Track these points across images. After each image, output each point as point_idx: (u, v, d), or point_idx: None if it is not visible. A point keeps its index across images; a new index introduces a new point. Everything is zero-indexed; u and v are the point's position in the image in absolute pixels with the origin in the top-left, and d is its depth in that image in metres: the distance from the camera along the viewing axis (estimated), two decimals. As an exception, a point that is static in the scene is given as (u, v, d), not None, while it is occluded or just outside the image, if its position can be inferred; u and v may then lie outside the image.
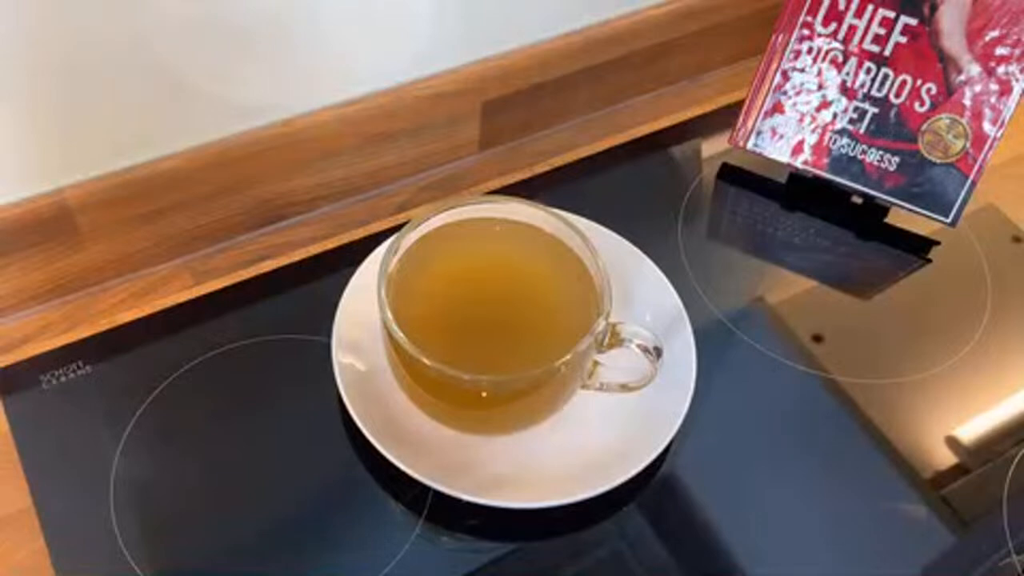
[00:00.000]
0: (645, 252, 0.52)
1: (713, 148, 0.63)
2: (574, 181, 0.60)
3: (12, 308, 0.51)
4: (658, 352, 0.44)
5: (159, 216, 0.52)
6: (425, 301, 0.45)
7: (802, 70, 0.57)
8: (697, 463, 0.48)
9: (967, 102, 0.54)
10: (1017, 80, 0.53)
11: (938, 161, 0.55)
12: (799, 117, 0.58)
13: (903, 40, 0.54)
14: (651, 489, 0.46)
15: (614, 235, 0.52)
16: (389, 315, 0.42)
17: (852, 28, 0.55)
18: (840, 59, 0.56)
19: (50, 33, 0.43)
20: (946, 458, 0.49)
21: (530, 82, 0.59)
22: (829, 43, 0.56)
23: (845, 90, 0.56)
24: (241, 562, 0.44)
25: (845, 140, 0.57)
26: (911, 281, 0.57)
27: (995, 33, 0.52)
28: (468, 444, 0.46)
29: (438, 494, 0.44)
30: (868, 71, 0.56)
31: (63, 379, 0.49)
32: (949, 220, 0.56)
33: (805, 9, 0.56)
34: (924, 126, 0.55)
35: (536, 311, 0.46)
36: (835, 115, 0.57)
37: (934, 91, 0.55)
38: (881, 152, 0.56)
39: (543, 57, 0.59)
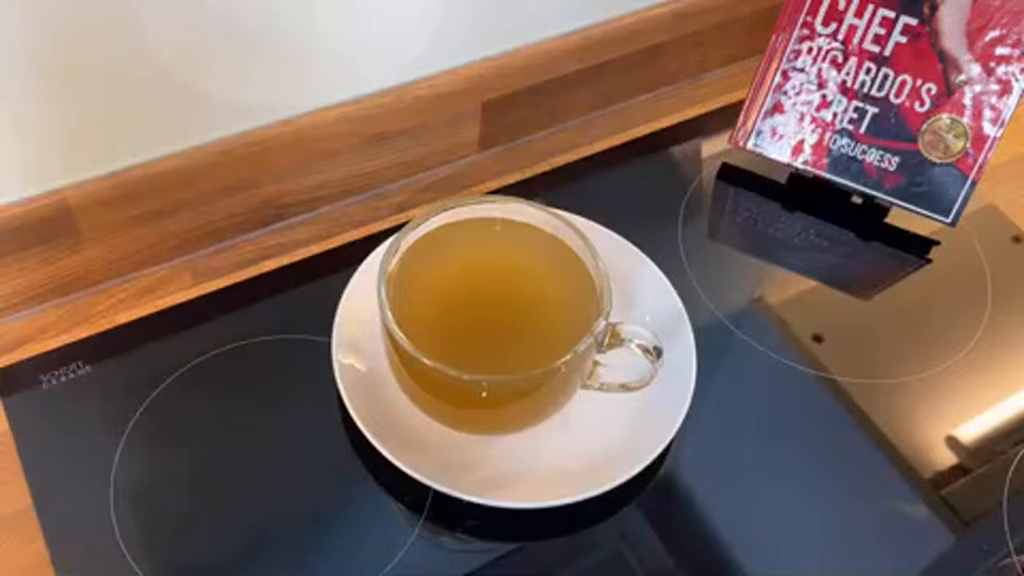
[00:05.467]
0: (645, 252, 0.52)
1: (713, 148, 0.63)
2: (574, 181, 0.60)
3: (12, 308, 0.51)
4: (658, 352, 0.44)
5: (159, 216, 0.52)
6: (425, 301, 0.45)
7: (802, 70, 0.57)
8: (697, 463, 0.48)
9: (967, 102, 0.54)
10: (1017, 80, 0.53)
11: (938, 161, 0.55)
12: (799, 117, 0.58)
13: (903, 40, 0.54)
14: (651, 489, 0.46)
15: (614, 235, 0.52)
16: (389, 315, 0.42)
17: (852, 28, 0.55)
18: (840, 59, 0.56)
19: (51, 33, 0.43)
20: (946, 458, 0.49)
21: (530, 82, 0.59)
22: (829, 43, 0.56)
23: (845, 90, 0.56)
24: (241, 562, 0.44)
25: (845, 140, 0.57)
26: (911, 281, 0.57)
27: (995, 33, 0.52)
28: (468, 444, 0.46)
29: (438, 494, 0.44)
30: (868, 71, 0.56)
31: (63, 379, 0.49)
32: (949, 220, 0.56)
33: (805, 9, 0.56)
34: (924, 126, 0.55)
35: (536, 311, 0.46)
36: (835, 115, 0.57)
37: (934, 91, 0.55)
38: (881, 152, 0.56)
39: (543, 57, 0.59)
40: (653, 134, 0.63)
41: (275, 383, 0.49)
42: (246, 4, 0.47)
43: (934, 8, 0.53)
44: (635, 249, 0.52)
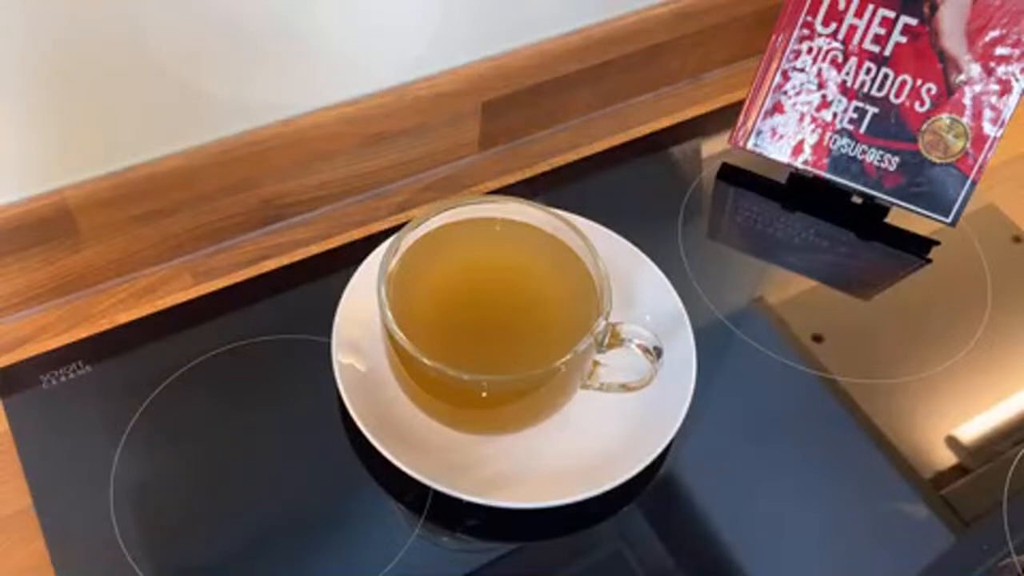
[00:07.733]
0: (645, 252, 0.52)
1: (713, 148, 0.63)
2: (574, 181, 0.60)
3: (12, 308, 0.51)
4: (658, 352, 0.44)
5: (159, 216, 0.52)
6: (425, 301, 0.45)
7: (802, 70, 0.57)
8: (697, 463, 0.48)
9: (967, 102, 0.54)
10: (1017, 80, 0.53)
11: (938, 161, 0.55)
12: (799, 117, 0.58)
13: (903, 40, 0.54)
14: (651, 489, 0.46)
15: (614, 235, 0.52)
16: (389, 315, 0.42)
17: (852, 28, 0.55)
18: (840, 59, 0.56)
19: (50, 33, 0.43)
20: (946, 458, 0.49)
21: (530, 82, 0.59)
22: (829, 43, 0.56)
23: (845, 90, 0.56)
24: (241, 562, 0.44)
25: (845, 140, 0.57)
26: (911, 281, 0.57)
27: (995, 33, 0.52)
28: (468, 444, 0.46)
29: (438, 494, 0.44)
30: (868, 71, 0.56)
31: (63, 379, 0.49)
32: (949, 220, 0.56)
33: (805, 9, 0.56)
34: (924, 126, 0.55)
35: (536, 311, 0.46)
36: (835, 115, 0.57)
37: (934, 91, 0.55)
38: (881, 152, 0.56)
39: (543, 57, 0.59)
40: (653, 134, 0.64)
41: (275, 383, 0.49)
42: (246, 4, 0.47)
43: (934, 8, 0.53)
44: (635, 249, 0.52)
